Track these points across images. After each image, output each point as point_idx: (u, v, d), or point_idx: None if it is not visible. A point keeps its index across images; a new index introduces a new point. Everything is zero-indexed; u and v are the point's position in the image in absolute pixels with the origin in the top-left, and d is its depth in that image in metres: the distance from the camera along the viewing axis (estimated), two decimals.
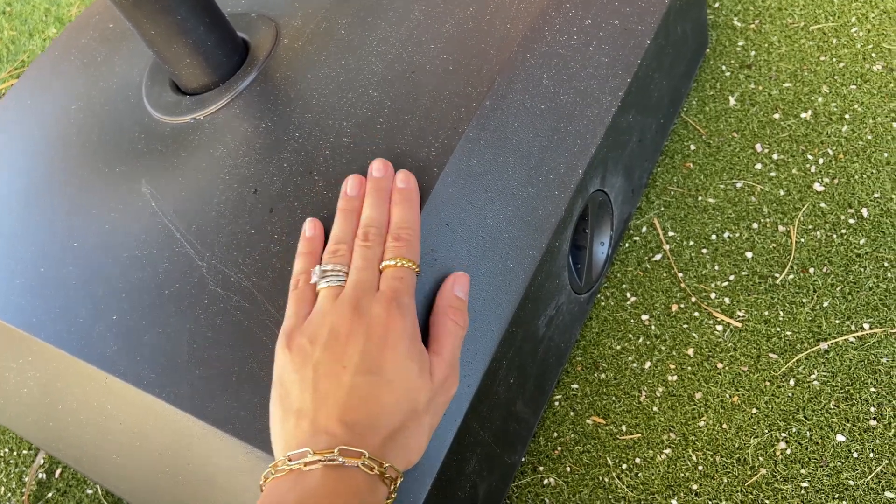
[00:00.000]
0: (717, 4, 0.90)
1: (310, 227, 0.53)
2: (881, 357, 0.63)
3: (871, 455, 0.59)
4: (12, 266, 0.66)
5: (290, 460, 0.41)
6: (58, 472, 0.81)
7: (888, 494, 0.57)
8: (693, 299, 0.70)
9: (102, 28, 0.83)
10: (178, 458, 0.55)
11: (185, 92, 0.71)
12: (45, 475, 0.81)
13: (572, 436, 0.67)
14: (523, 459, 0.67)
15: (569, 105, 0.62)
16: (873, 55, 0.80)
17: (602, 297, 0.73)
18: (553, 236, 0.59)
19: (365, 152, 0.58)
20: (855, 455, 0.60)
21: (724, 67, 0.85)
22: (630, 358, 0.69)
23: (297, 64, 0.67)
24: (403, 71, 0.62)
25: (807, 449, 0.61)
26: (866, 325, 0.65)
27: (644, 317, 0.71)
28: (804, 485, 0.59)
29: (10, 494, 0.81)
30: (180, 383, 0.54)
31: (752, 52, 0.85)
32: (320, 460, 0.40)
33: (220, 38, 0.68)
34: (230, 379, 0.52)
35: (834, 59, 0.81)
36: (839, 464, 0.60)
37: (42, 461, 0.82)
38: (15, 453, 0.84)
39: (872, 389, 0.62)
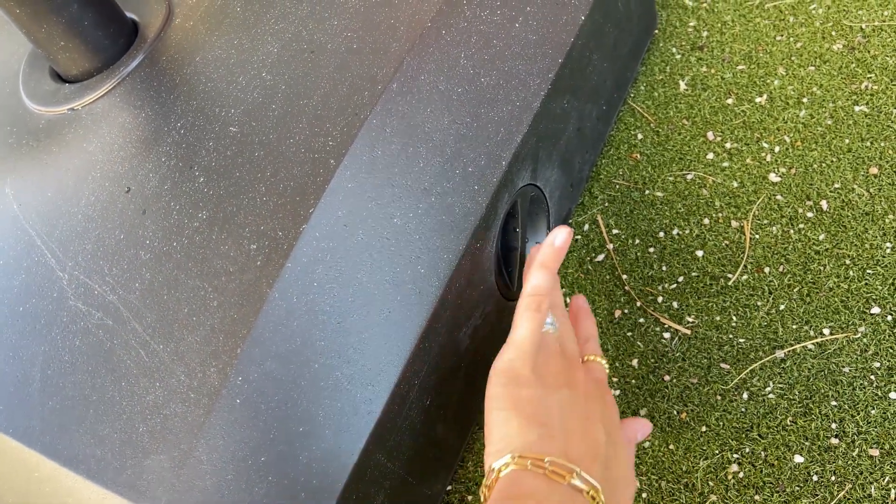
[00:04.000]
0: None
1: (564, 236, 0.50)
2: (843, 366, 0.57)
3: (833, 478, 0.53)
4: None
5: (536, 464, 0.41)
6: None
7: None
8: (638, 303, 0.64)
9: None
10: (31, 501, 0.47)
11: (66, 80, 0.62)
12: None
13: None
14: (449, 488, 0.60)
15: (491, 88, 0.54)
16: (833, 33, 0.74)
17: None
18: (472, 237, 0.51)
19: (252, 143, 0.50)
20: (815, 478, 0.53)
21: (674, 49, 0.78)
22: None
23: (188, 45, 0.59)
24: (301, 50, 0.55)
25: (761, 472, 0.54)
26: (826, 331, 0.58)
27: None
28: None
29: None
30: (30, 416, 0.46)
31: (705, 33, 0.78)
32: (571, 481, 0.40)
33: (100, 17, 0.60)
34: (87, 411, 0.45)
35: (791, 39, 0.75)
36: (797, 488, 0.53)
37: None
38: None
39: (833, 403, 0.55)
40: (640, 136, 0.73)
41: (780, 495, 0.53)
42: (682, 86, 0.75)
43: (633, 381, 0.60)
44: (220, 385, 0.43)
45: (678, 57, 0.77)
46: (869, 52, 0.72)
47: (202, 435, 0.42)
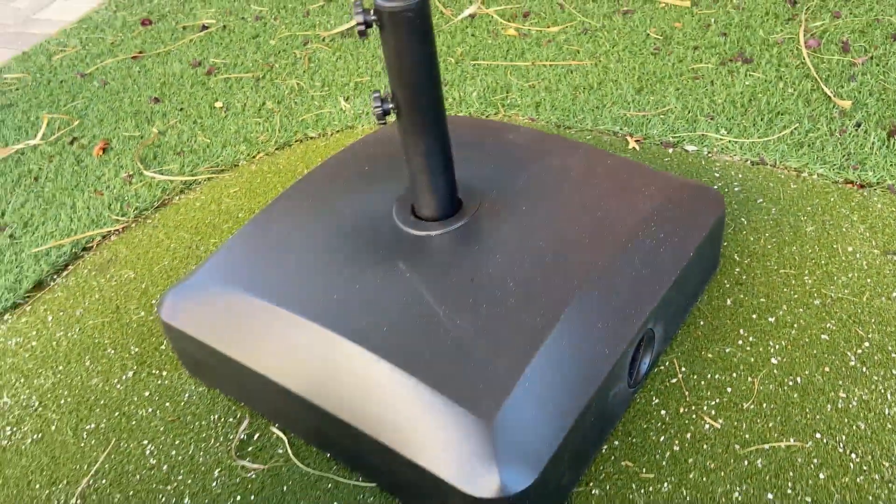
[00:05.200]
0: (725, 243, 1.42)
1: None
2: None
3: None
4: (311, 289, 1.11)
5: None
6: (256, 435, 1.20)
7: None
8: (693, 407, 1.16)
9: (361, 166, 1.33)
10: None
11: (420, 218, 1.19)
12: (245, 436, 1.20)
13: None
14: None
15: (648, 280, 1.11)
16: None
17: (638, 398, 1.18)
18: (628, 343, 1.05)
19: (500, 292, 1.06)
20: None
21: (725, 282, 1.35)
22: (651, 434, 1.13)
23: (488, 224, 1.17)
24: (541, 246, 1.12)
25: None
26: None
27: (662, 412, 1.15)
28: None
29: (218, 445, 1.20)
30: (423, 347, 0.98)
31: (743, 277, 1.36)
32: None
33: (448, 193, 1.17)
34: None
35: (793, 292, 1.32)
36: None
37: (245, 425, 1.21)
38: (223, 418, 1.23)
39: None
40: (701, 323, 1.28)
41: None
42: (728, 302, 1.31)
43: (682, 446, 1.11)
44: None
45: (727, 286, 1.34)
46: None
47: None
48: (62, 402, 1.30)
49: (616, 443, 1.12)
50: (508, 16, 2.29)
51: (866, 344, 1.21)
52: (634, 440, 1.13)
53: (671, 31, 2.09)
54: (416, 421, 0.96)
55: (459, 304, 1.04)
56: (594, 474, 1.09)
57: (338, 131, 1.92)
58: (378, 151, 1.38)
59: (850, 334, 1.23)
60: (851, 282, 1.31)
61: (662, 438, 1.12)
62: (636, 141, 1.71)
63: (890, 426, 1.10)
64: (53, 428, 1.25)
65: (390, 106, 1.07)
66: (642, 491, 1.06)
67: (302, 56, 2.27)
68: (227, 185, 1.77)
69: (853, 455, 1.07)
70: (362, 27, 0.99)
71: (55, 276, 1.58)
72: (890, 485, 1.03)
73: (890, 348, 1.20)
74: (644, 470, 1.09)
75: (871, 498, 1.02)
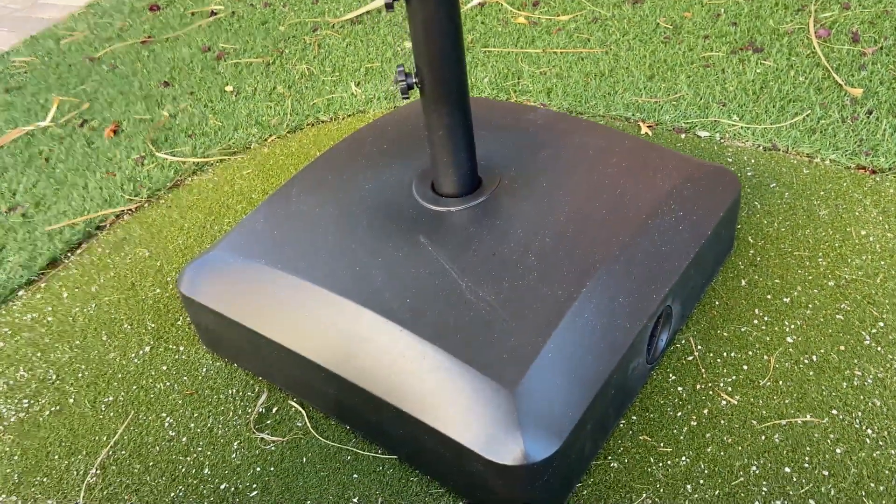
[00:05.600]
0: (739, 226, 1.43)
1: None
2: None
3: None
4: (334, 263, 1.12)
5: None
6: (274, 409, 1.21)
7: None
8: (710, 384, 1.16)
9: (379, 145, 1.34)
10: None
11: (440, 194, 1.20)
12: (264, 410, 1.21)
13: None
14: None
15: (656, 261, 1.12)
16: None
17: (654, 375, 1.19)
18: (648, 318, 1.06)
19: (521, 266, 1.06)
20: None
21: (739, 263, 1.36)
22: (669, 409, 1.14)
23: (506, 201, 1.17)
24: (561, 221, 1.13)
25: None
26: None
27: (679, 388, 1.16)
28: None
29: (237, 418, 1.20)
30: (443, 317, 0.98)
31: (758, 258, 1.37)
32: None
33: (469, 171, 1.18)
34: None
35: (807, 274, 1.33)
36: None
37: (264, 399, 1.22)
38: (241, 392, 1.24)
39: None
40: (716, 303, 1.29)
41: None
42: (743, 283, 1.32)
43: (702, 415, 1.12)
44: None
45: (741, 267, 1.35)
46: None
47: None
48: (79, 375, 1.30)
49: (634, 418, 1.13)
50: (518, 4, 2.30)
51: (881, 324, 1.22)
52: (652, 415, 1.13)
53: (681, 20, 2.10)
54: (440, 390, 0.97)
55: (482, 277, 1.05)
56: (612, 448, 1.10)
57: (349, 115, 1.92)
58: (396, 131, 1.39)
59: (864, 315, 1.24)
60: (865, 264, 1.33)
61: (680, 414, 1.13)
62: (649, 127, 1.72)
63: None
64: (72, 401, 1.26)
65: (414, 80, 1.07)
66: (660, 464, 1.07)
67: (312, 42, 2.27)
68: (240, 166, 1.78)
69: (869, 430, 1.08)
70: (389, 0, 0.99)
71: (69, 254, 1.58)
72: None
73: None
74: (662, 444, 1.10)
75: (887, 472, 1.03)
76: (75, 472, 1.15)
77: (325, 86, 2.05)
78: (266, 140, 1.87)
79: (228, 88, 2.09)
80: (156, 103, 2.08)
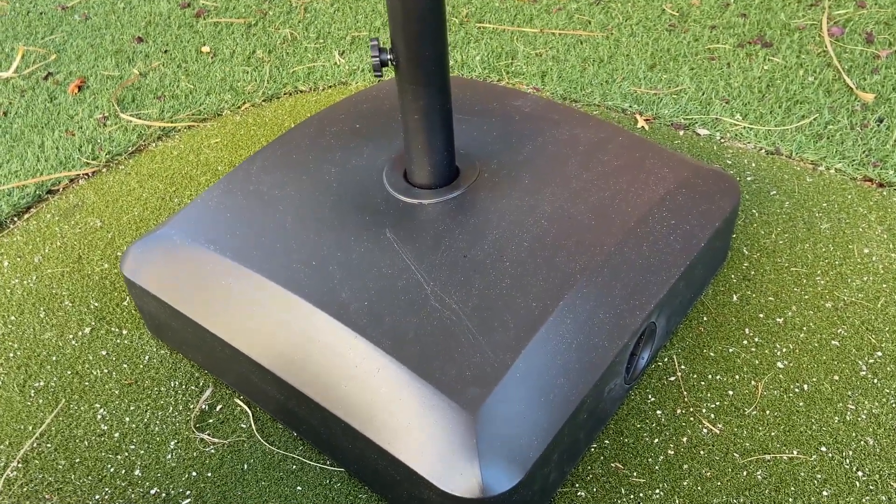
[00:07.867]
0: (735, 235, 1.33)
1: None
2: None
3: None
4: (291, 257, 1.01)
5: None
6: (219, 406, 1.11)
7: None
8: (691, 409, 1.08)
9: (354, 123, 1.23)
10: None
11: (413, 184, 1.09)
12: (207, 407, 1.11)
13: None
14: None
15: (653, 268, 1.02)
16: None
17: (633, 395, 1.10)
18: (630, 336, 0.97)
19: (495, 271, 0.96)
20: None
21: (732, 276, 1.27)
22: (645, 436, 1.05)
23: (484, 195, 1.07)
24: (539, 221, 1.02)
25: None
26: None
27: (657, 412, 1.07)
28: None
29: (177, 414, 1.10)
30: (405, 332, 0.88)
31: (752, 272, 1.27)
32: None
33: (446, 160, 1.07)
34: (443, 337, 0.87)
35: (804, 293, 1.24)
36: None
37: (208, 395, 1.12)
38: (184, 385, 1.14)
39: None
40: (704, 318, 1.20)
41: None
42: (735, 298, 1.23)
43: (673, 453, 1.03)
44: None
45: (734, 280, 1.26)
46: None
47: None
48: (10, 354, 1.20)
49: (606, 442, 1.04)
50: None
51: (879, 353, 1.13)
52: (626, 440, 1.04)
53: (688, 7, 1.99)
54: (394, 407, 0.87)
55: (450, 282, 0.95)
56: (581, 474, 1.01)
57: (330, 86, 1.80)
58: (375, 109, 1.28)
59: (862, 342, 1.15)
60: (866, 286, 1.23)
61: (657, 441, 1.04)
62: (646, 120, 1.61)
63: None
64: None
65: (389, 57, 0.96)
66: (632, 496, 0.98)
67: (298, 5, 2.14)
68: (209, 134, 1.66)
69: (859, 472, 1.00)
70: None
71: (15, 219, 1.47)
72: None
73: None
74: (635, 473, 1.01)
75: None
76: None
77: (307, 53, 1.92)
78: (239, 107, 1.75)
79: (205, 49, 1.96)
80: (126, 59, 1.95)
